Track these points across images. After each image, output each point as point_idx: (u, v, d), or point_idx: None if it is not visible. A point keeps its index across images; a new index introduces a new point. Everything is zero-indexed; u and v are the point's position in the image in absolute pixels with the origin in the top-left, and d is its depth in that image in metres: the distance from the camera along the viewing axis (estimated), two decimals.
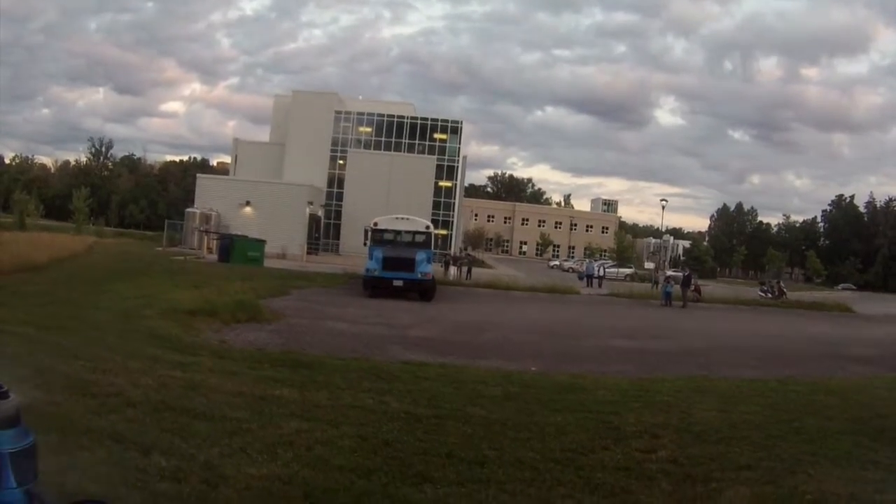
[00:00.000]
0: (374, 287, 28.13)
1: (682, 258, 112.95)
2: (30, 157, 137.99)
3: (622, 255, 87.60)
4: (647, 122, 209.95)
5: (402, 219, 32.24)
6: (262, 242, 42.77)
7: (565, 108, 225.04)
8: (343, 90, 76.53)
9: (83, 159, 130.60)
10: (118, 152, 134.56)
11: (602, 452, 7.93)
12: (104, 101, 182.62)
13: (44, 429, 6.57)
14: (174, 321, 15.90)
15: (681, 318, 31.01)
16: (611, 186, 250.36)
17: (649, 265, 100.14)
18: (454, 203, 71.75)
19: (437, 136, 73.11)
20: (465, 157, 75.05)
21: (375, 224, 30.91)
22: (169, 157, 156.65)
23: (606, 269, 59.06)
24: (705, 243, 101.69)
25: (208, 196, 57.74)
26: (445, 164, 71.51)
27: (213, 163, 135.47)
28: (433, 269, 29.98)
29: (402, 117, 73.51)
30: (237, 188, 58.96)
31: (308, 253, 55.61)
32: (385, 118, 73.00)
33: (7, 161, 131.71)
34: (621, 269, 70.08)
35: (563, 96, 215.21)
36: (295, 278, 32.37)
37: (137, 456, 6.44)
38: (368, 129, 73.23)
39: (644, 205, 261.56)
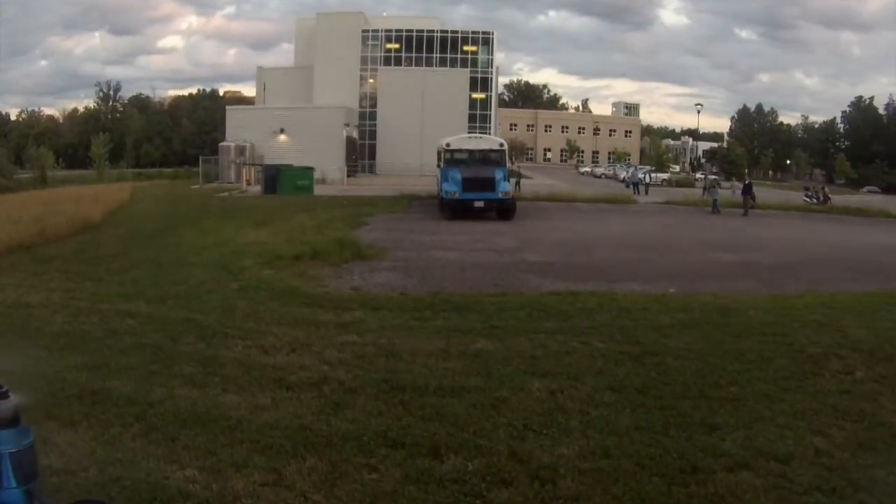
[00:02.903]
0: (455, 210, 27.11)
1: (702, 160, 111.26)
2: (36, 110, 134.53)
3: (658, 160, 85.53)
4: (652, 22, 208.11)
5: (475, 137, 31.18)
6: (310, 170, 41.72)
7: (568, 11, 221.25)
8: (344, 5, 73.69)
9: (91, 105, 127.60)
10: (124, 94, 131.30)
11: (814, 378, 8.00)
12: (101, 44, 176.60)
13: (295, 444, 5.73)
14: (282, 269, 15.06)
15: (751, 226, 30.22)
16: (619, 88, 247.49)
17: (674, 168, 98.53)
18: (490, 115, 69.74)
19: (467, 48, 70.74)
20: (497, 68, 73.09)
21: (448, 145, 29.55)
22: (174, 93, 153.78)
23: (648, 175, 58.04)
24: (741, 148, 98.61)
25: (239, 127, 56.46)
26: (479, 76, 69.61)
27: (221, 92, 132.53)
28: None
29: (431, 31, 71.05)
30: (269, 117, 57.74)
31: (347, 176, 54.44)
32: (414, 33, 70.52)
33: (13, 117, 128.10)
34: (658, 175, 69.24)
35: None
36: (357, 205, 31.44)
37: (431, 462, 5.47)
38: (397, 46, 70.74)
39: (654, 105, 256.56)
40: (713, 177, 55.23)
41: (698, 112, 78.63)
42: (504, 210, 27.52)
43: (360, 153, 65.90)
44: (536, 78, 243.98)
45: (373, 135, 67.11)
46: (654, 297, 12.69)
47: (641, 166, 69.03)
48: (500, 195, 27.33)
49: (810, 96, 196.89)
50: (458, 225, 25.25)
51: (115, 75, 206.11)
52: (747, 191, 37.96)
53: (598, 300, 12.12)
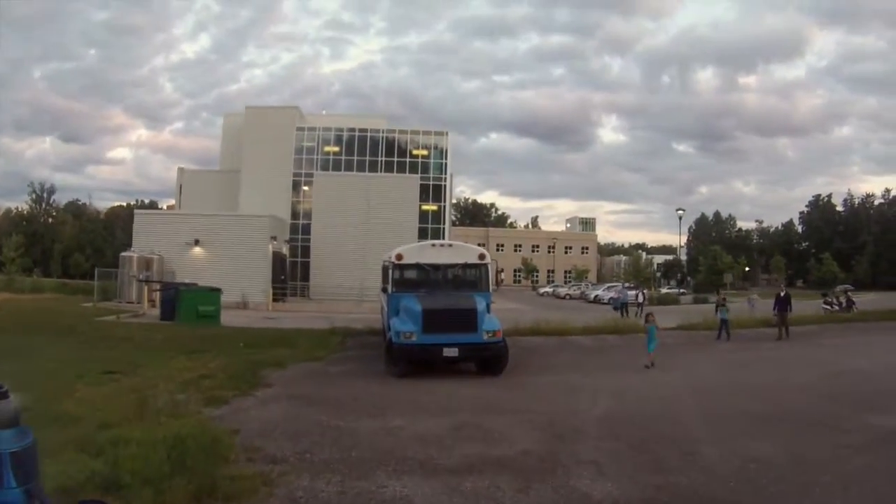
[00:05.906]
0: (411, 361, 17.03)
1: (657, 274, 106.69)
2: None
3: (639, 276, 78.44)
4: (591, 141, 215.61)
5: (444, 246, 20.75)
6: (216, 292, 31.92)
7: (508, 133, 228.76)
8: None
9: (25, 207, 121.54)
10: (65, 199, 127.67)
11: None
12: (51, 150, 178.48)
13: None
14: None
15: (822, 353, 23.62)
16: (561, 208, 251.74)
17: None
18: (443, 230, 60.39)
19: (416, 152, 62.32)
20: (451, 175, 64.40)
21: (399, 257, 19.26)
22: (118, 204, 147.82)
23: (641, 294, 50.50)
24: (728, 256, 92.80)
25: (150, 235, 46.73)
26: (431, 183, 61.13)
27: (163, 206, 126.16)
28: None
29: (376, 131, 62.38)
30: (184, 224, 47.92)
31: (274, 300, 45.44)
32: (356, 133, 61.71)
33: None
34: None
35: (505, 121, 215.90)
36: (268, 345, 22.03)
37: None
38: (336, 149, 61.82)
39: (596, 223, 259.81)
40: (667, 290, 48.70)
41: (680, 218, 69.52)
42: (491, 360, 17.43)
43: (292, 273, 56.19)
44: (478, 200, 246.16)
45: (306, 251, 57.66)
46: None
47: (626, 284, 61.38)
48: (483, 337, 17.16)
49: (749, 202, 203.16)
50: (417, 388, 15.22)
51: (63, 182, 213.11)
52: (785, 306, 29.42)
53: None
